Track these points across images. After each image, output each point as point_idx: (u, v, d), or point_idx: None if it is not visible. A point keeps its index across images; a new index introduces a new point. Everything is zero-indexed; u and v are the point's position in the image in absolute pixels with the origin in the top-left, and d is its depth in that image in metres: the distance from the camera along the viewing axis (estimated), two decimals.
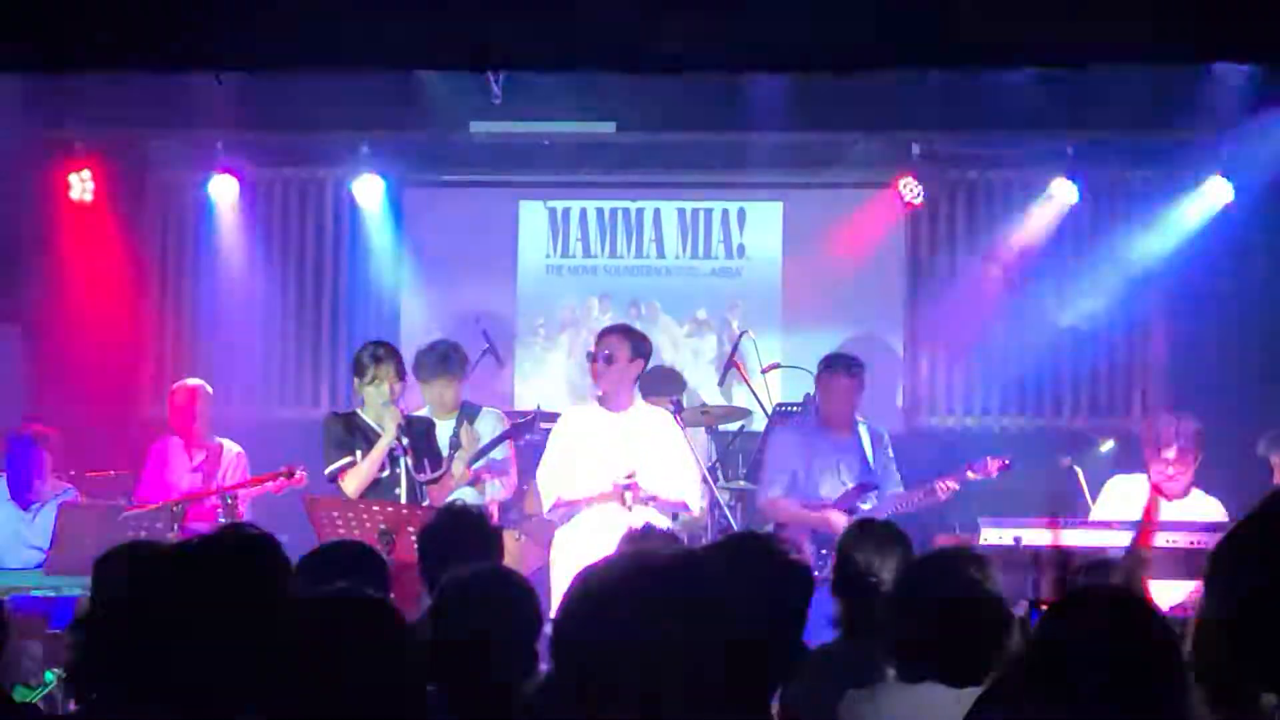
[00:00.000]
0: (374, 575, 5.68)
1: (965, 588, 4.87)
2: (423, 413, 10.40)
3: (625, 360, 9.78)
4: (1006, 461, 10.48)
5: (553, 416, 11.76)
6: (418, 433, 9.91)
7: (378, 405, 9.80)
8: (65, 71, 5.39)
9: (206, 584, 3.46)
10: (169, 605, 3.44)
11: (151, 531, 9.86)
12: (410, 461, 9.83)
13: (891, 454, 10.69)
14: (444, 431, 10.37)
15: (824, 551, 9.70)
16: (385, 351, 9.95)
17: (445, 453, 10.18)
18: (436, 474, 9.89)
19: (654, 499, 9.67)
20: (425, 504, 9.59)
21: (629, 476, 9.59)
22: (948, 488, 10.29)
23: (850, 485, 10.33)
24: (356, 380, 9.93)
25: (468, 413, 10.52)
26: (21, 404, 12.68)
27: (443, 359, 10.44)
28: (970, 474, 10.42)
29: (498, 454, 10.28)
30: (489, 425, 10.46)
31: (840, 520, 9.89)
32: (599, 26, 4.65)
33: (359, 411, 9.96)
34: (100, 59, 5.11)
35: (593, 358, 9.92)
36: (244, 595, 3.47)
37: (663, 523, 9.42)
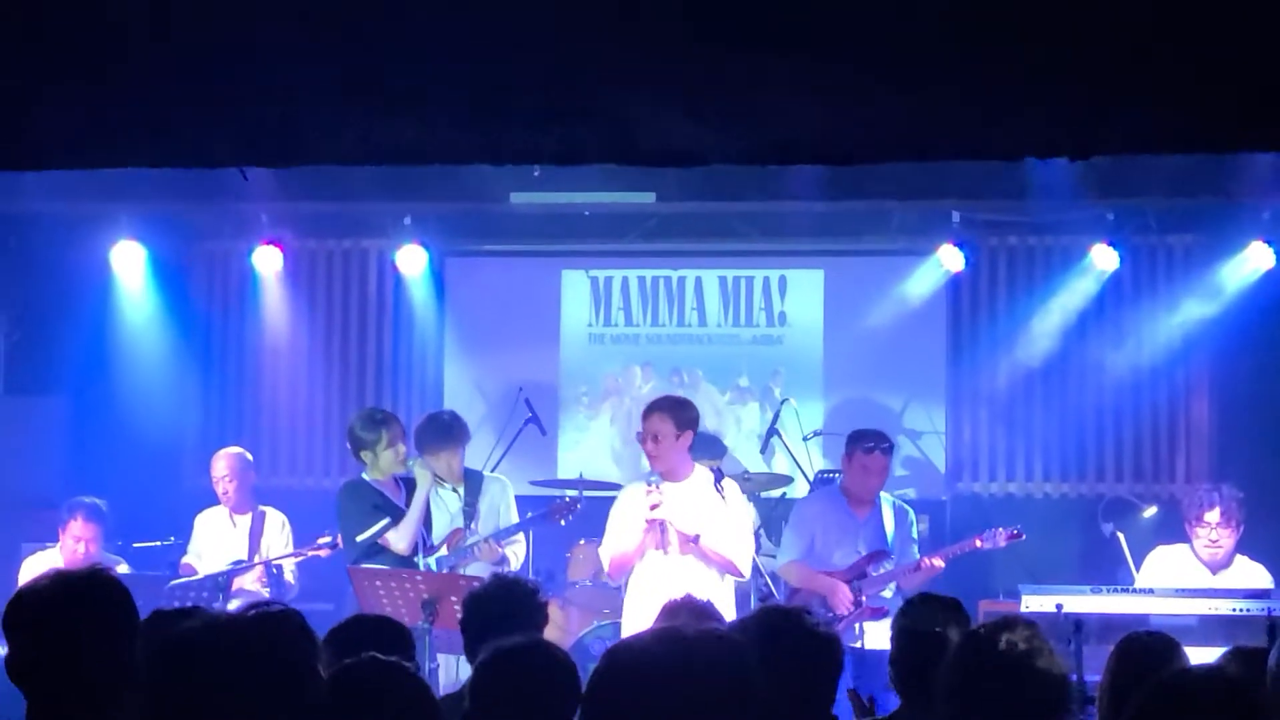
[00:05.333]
0: (399, 646, 5.70)
1: (1021, 663, 4.83)
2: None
3: (672, 437, 9.81)
4: (1017, 531, 10.43)
5: (595, 485, 11.82)
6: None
7: (396, 466, 9.98)
8: (103, 167, 5.46)
9: (231, 664, 3.47)
10: (192, 686, 3.47)
11: (198, 601, 9.90)
12: (424, 531, 10.02)
13: (915, 533, 10.68)
14: (451, 500, 10.52)
15: (830, 616, 9.88)
16: (385, 414, 10.25)
17: (461, 522, 10.37)
18: (437, 544, 10.10)
19: (694, 541, 9.70)
20: (468, 572, 9.70)
21: (652, 508, 9.70)
22: (932, 566, 10.27)
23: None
24: (367, 453, 10.08)
25: (474, 481, 10.66)
26: (68, 475, 12.73)
27: (447, 429, 10.65)
28: (979, 543, 10.41)
29: (509, 522, 10.61)
30: (500, 493, 10.63)
31: (844, 594, 10.04)
32: (617, 121, 4.69)
33: (365, 477, 10.14)
34: (137, 157, 5.17)
35: (642, 437, 9.96)
36: (269, 673, 3.49)
37: (712, 581, 9.50)
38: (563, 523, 10.89)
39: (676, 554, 9.72)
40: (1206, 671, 4.36)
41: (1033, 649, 4.80)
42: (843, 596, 10.15)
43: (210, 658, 3.45)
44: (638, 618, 9.49)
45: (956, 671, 4.86)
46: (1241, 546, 10.22)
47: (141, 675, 3.55)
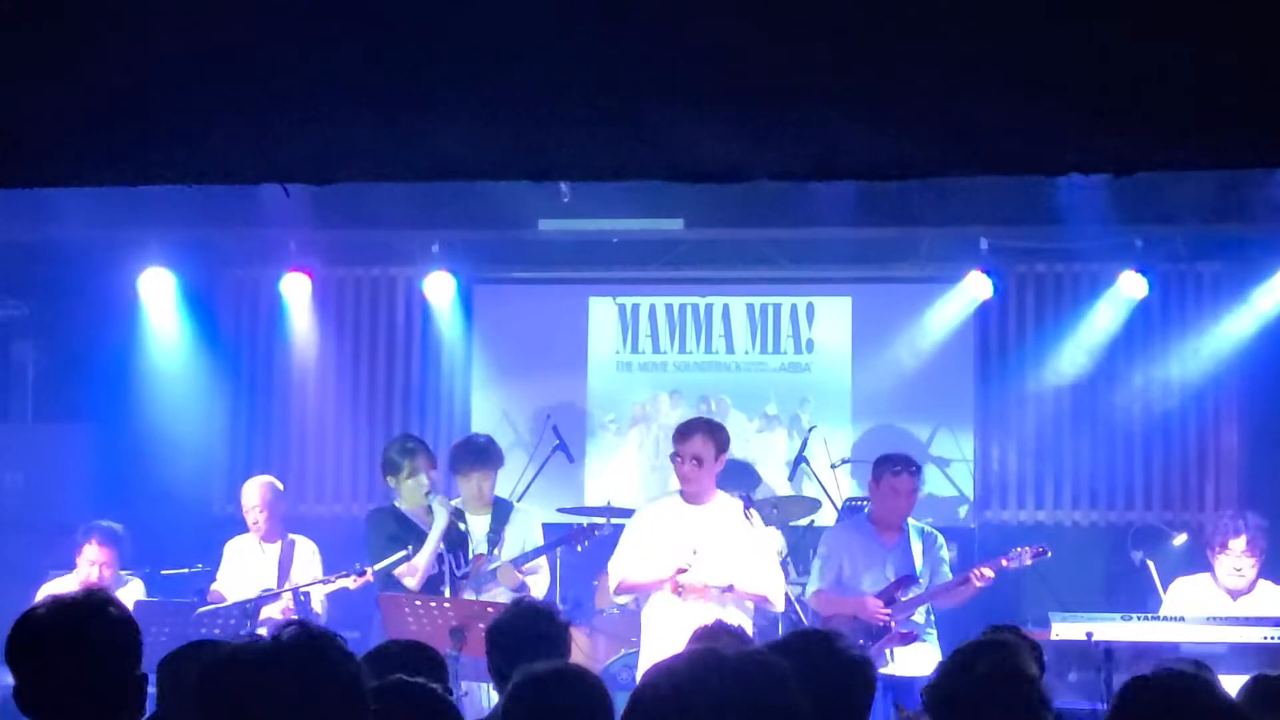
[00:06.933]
0: (433, 672, 5.71)
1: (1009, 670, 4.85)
2: (455, 503, 10.56)
3: (712, 460, 9.92)
4: (1042, 549, 10.44)
5: (623, 512, 11.81)
6: (455, 527, 10.14)
7: (419, 497, 10.04)
8: (139, 185, 5.44)
9: (277, 682, 3.46)
10: (238, 705, 3.45)
11: (225, 629, 9.92)
12: (452, 559, 10.04)
13: (945, 555, 10.65)
14: (479, 526, 10.53)
15: (861, 642, 9.87)
16: (415, 443, 10.33)
17: (485, 548, 10.38)
18: (466, 570, 10.11)
19: (729, 589, 9.74)
20: (494, 599, 9.72)
21: (680, 571, 9.72)
22: (982, 576, 10.25)
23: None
24: (392, 478, 10.16)
25: (502, 509, 10.67)
26: (96, 502, 12.73)
27: (482, 451, 10.68)
28: (1005, 562, 10.39)
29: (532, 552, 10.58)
30: (526, 523, 10.64)
31: (875, 607, 10.04)
32: (654, 138, 4.68)
33: (397, 504, 10.19)
34: (174, 174, 5.17)
35: (680, 459, 9.97)
36: (314, 692, 3.47)
37: (738, 616, 9.50)
38: (579, 549, 10.89)
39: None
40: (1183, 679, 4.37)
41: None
42: (874, 610, 10.15)
43: (265, 680, 3.42)
44: (656, 650, 9.50)
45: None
46: (1265, 572, 10.20)
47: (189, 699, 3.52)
